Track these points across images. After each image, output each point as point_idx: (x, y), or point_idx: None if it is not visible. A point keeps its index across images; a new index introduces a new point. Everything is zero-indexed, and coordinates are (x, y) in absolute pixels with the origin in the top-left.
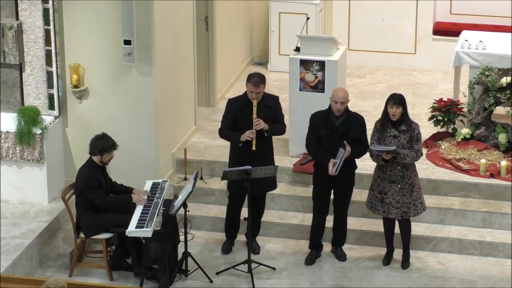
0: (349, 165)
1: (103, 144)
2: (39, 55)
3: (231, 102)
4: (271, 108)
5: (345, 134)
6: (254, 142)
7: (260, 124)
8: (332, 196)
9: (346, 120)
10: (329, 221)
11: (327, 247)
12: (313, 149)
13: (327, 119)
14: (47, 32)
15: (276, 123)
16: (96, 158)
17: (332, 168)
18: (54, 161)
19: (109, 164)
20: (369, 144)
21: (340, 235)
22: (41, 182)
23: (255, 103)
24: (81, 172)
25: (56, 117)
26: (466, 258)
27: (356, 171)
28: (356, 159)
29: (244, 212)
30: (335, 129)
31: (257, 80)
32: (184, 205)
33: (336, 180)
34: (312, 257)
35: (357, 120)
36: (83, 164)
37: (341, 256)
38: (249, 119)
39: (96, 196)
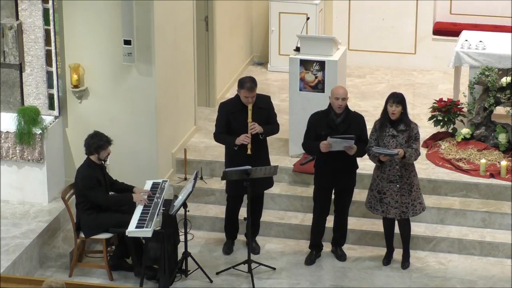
0: (351, 165)
1: (97, 142)
2: (39, 55)
3: (224, 106)
4: (264, 110)
5: (346, 132)
6: (249, 146)
7: (255, 128)
8: (332, 196)
9: (346, 118)
10: (329, 221)
11: (327, 247)
12: (307, 145)
13: (327, 118)
14: (47, 32)
15: (270, 124)
16: (93, 157)
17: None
18: (54, 161)
19: (107, 160)
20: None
21: (340, 235)
22: (41, 182)
23: (250, 106)
24: (79, 172)
25: (56, 117)
26: (466, 258)
27: (357, 171)
28: (356, 158)
29: (243, 212)
30: (336, 127)
31: (251, 85)
32: (184, 205)
33: (338, 180)
34: (312, 257)
35: (357, 119)
36: (81, 164)
37: (341, 256)
38: (243, 122)
39: (95, 195)
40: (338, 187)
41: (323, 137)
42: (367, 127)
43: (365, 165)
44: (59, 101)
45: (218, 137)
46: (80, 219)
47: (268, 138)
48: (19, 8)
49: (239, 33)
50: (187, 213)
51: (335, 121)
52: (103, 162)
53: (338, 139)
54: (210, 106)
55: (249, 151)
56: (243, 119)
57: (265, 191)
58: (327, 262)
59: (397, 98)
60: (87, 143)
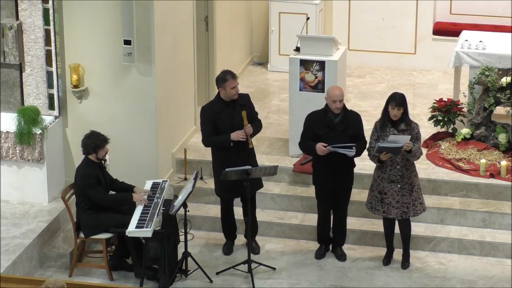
0: (347, 164)
1: (95, 142)
2: (39, 55)
3: (207, 109)
4: (246, 107)
5: (344, 131)
6: (249, 141)
7: (250, 130)
8: None
9: (345, 117)
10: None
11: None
12: (304, 144)
13: (325, 117)
14: (47, 32)
15: (254, 121)
16: (92, 157)
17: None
18: (54, 161)
19: (106, 159)
20: (367, 143)
21: (340, 235)
22: (41, 182)
23: (244, 114)
24: (79, 170)
25: (56, 117)
26: (466, 258)
27: (356, 171)
28: (354, 158)
29: (238, 211)
30: (334, 127)
31: (232, 74)
32: (184, 205)
33: (335, 179)
34: (322, 251)
35: (355, 118)
36: (80, 163)
37: (341, 256)
38: (229, 120)
39: (96, 193)
40: (336, 186)
41: (322, 137)
42: (367, 127)
43: (365, 165)
44: (59, 101)
45: (208, 140)
46: (80, 219)
47: (269, 138)
48: (19, 8)
49: (239, 33)
50: (187, 213)
51: (333, 120)
52: (102, 161)
53: (338, 148)
54: None
55: (250, 145)
56: (228, 117)
57: (264, 191)
58: (327, 262)
59: (398, 101)
60: (84, 144)
